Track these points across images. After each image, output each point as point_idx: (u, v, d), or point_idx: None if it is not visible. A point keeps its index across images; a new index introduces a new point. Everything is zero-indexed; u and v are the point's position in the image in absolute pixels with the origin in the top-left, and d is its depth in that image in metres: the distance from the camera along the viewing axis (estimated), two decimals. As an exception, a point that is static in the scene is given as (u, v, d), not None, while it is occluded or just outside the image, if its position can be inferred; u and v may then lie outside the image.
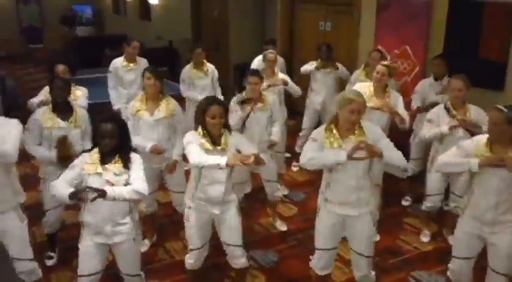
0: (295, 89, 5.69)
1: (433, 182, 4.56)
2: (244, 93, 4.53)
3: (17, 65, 13.25)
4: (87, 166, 3.14)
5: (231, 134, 3.49)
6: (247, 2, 9.20)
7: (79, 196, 2.94)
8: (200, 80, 6.10)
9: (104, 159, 3.15)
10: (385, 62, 4.71)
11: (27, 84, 11.21)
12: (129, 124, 4.08)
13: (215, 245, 3.81)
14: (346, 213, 3.35)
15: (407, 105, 5.47)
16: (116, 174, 3.12)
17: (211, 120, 3.33)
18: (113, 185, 3.09)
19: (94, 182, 3.08)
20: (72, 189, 2.99)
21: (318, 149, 3.25)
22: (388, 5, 6.40)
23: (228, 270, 4.03)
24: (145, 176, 4.12)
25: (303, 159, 3.29)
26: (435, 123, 4.35)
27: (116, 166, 3.14)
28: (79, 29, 15.01)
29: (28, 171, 5.91)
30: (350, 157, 3.11)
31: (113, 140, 3.12)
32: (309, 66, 6.22)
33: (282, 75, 5.64)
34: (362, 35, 6.93)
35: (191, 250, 3.65)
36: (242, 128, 4.47)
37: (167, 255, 4.52)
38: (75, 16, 15.84)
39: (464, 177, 4.16)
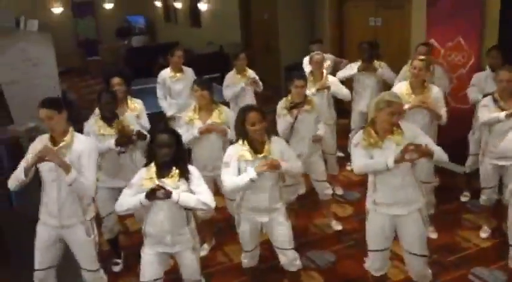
0: (343, 93, 5.47)
1: (485, 174, 4.47)
2: (289, 97, 4.56)
3: (76, 78, 13.87)
4: (145, 181, 3.25)
5: (271, 140, 3.50)
6: (297, 3, 9.22)
7: (154, 194, 3.11)
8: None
9: (161, 173, 3.25)
10: (421, 56, 4.62)
11: (86, 96, 11.75)
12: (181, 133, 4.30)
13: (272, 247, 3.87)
14: (395, 213, 3.35)
15: (463, 98, 5.38)
16: (172, 188, 3.21)
17: (251, 128, 3.38)
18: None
19: (157, 207, 3.24)
20: (141, 195, 3.17)
21: (364, 154, 3.30)
22: (439, -4, 6.24)
23: (285, 271, 4.08)
24: None
25: (354, 167, 3.39)
26: (485, 108, 4.28)
27: (172, 179, 3.24)
28: (133, 39, 15.50)
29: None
30: (400, 161, 3.12)
31: (171, 150, 3.22)
32: (347, 72, 6.06)
33: (331, 78, 5.51)
34: (413, 28, 6.80)
35: (245, 252, 3.79)
36: (291, 131, 4.52)
37: (226, 258, 4.63)
38: (130, 27, 16.33)
39: None
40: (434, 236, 4.61)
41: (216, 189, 4.69)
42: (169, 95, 6.16)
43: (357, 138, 3.40)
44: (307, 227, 5.04)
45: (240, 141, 3.47)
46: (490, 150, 4.29)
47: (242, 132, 3.45)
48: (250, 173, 3.30)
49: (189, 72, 6.19)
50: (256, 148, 3.44)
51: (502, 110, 4.13)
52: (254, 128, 3.37)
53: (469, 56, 5.97)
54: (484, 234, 4.69)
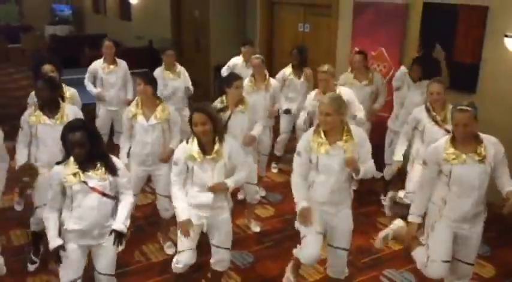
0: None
1: (413, 180, 4.60)
2: (224, 97, 4.54)
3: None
4: (69, 177, 3.11)
5: (223, 141, 3.45)
6: (228, 3, 9.22)
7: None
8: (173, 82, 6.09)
9: (84, 167, 3.13)
10: (323, 68, 4.87)
11: (6, 85, 11.12)
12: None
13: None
14: (326, 210, 3.52)
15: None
16: (100, 180, 3.14)
17: (194, 128, 3.36)
18: (100, 192, 3.14)
19: (79, 191, 3.11)
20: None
21: (304, 163, 3.47)
22: (364, 8, 6.48)
23: (206, 271, 4.06)
24: (135, 179, 4.25)
25: (292, 177, 3.57)
26: (413, 122, 4.55)
27: (98, 173, 3.15)
28: (58, 28, 14.88)
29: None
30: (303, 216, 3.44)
31: (83, 149, 3.08)
32: (280, 76, 6.17)
33: (273, 81, 5.58)
34: (340, 36, 7.01)
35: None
36: (224, 130, 4.50)
37: (143, 258, 4.52)
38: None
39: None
40: None
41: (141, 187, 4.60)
42: (101, 86, 6.06)
43: (300, 145, 3.49)
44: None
45: (190, 140, 3.44)
46: (421, 157, 4.47)
47: (192, 131, 3.42)
48: (183, 214, 3.44)
49: (123, 64, 6.13)
50: (205, 149, 3.40)
51: (434, 119, 4.34)
52: (196, 129, 3.34)
53: (390, 66, 6.24)
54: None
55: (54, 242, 3.16)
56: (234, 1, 9.21)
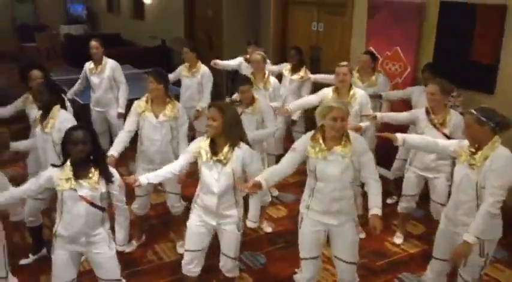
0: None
1: (408, 182, 4.61)
2: (236, 97, 4.51)
3: (9, 64, 13.18)
4: (61, 182, 3.07)
5: (235, 146, 3.34)
6: (242, 1, 9.18)
7: None
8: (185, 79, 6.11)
9: (77, 173, 3.08)
10: (343, 63, 4.80)
11: (21, 83, 11.19)
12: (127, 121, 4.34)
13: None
14: (327, 221, 3.36)
15: (397, 106, 5.54)
16: (90, 190, 3.09)
17: (207, 122, 3.32)
18: (89, 202, 3.09)
19: (68, 198, 3.08)
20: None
21: (291, 158, 3.35)
22: (379, 6, 6.40)
23: (216, 273, 4.02)
24: None
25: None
26: (412, 116, 4.51)
27: (90, 182, 3.09)
28: (73, 28, 14.95)
29: (20, 171, 5.92)
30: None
31: (86, 147, 3.06)
32: (276, 68, 6.17)
33: (273, 79, 5.50)
34: (354, 36, 6.93)
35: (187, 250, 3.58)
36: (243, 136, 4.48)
37: (155, 257, 4.51)
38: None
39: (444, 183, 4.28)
40: (362, 235, 4.67)
41: (154, 186, 4.56)
42: (89, 87, 6.07)
43: (298, 144, 3.36)
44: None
45: (205, 137, 3.41)
46: (417, 160, 4.45)
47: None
48: (208, 202, 3.40)
49: (108, 65, 5.92)
50: (216, 150, 3.33)
51: (431, 122, 4.27)
52: (207, 123, 3.32)
53: (405, 66, 6.15)
54: (397, 240, 4.84)
55: None
56: (247, 0, 9.17)
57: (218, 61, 6.45)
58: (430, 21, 5.85)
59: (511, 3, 5.05)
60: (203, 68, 6.06)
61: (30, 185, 3.23)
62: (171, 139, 4.31)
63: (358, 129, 4.25)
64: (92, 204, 3.11)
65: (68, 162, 3.10)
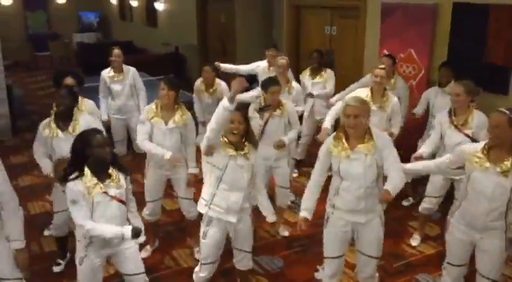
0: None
1: (434, 183, 4.57)
2: (261, 101, 4.54)
3: (23, 73, 13.37)
4: (91, 189, 3.09)
5: (254, 144, 3.56)
6: (254, 7, 9.22)
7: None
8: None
9: (100, 177, 3.12)
10: (382, 66, 4.82)
11: (35, 92, 11.33)
12: (141, 129, 4.29)
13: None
14: (353, 220, 3.39)
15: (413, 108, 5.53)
16: (117, 188, 3.18)
17: (230, 125, 3.41)
18: (119, 200, 3.18)
19: (100, 202, 3.11)
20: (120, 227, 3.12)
21: (321, 168, 3.44)
22: (392, 9, 6.41)
23: (234, 275, 4.05)
24: (153, 183, 4.34)
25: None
26: (438, 126, 4.41)
27: (114, 181, 3.17)
28: (86, 36, 15.10)
29: (36, 181, 5.99)
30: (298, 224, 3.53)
31: (111, 148, 3.14)
32: (248, 67, 6.22)
33: (295, 84, 5.54)
34: (367, 38, 6.94)
35: (203, 264, 3.68)
36: (261, 134, 4.52)
37: (173, 263, 4.53)
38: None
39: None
40: None
41: (168, 192, 4.61)
42: (109, 95, 6.02)
43: (321, 149, 3.43)
44: (256, 231, 4.99)
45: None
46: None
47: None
48: (233, 198, 3.50)
49: (130, 72, 5.99)
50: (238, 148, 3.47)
51: (453, 123, 4.24)
52: (232, 126, 3.41)
53: (419, 68, 6.14)
54: (414, 242, 4.82)
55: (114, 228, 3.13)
56: (260, 6, 9.21)
57: (222, 64, 6.38)
58: (443, 22, 5.84)
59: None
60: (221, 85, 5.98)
61: (85, 216, 3.12)
62: (180, 146, 4.34)
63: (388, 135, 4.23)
64: (122, 201, 3.19)
65: (86, 168, 3.11)
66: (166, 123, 4.26)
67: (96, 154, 3.09)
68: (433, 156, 4.60)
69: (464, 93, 4.17)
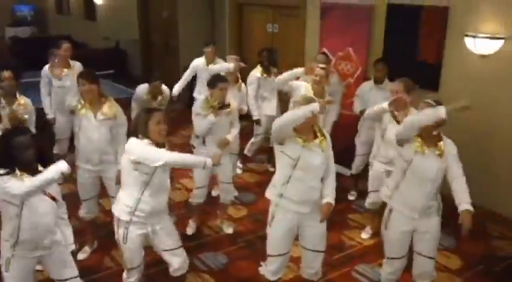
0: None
1: (374, 178, 4.73)
2: (210, 97, 4.54)
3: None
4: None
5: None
6: (197, 3, 9.18)
7: None
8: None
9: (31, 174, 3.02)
10: (322, 65, 4.96)
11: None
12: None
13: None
14: (300, 210, 3.46)
15: (350, 106, 5.71)
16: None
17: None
18: (52, 197, 3.10)
19: (32, 197, 3.02)
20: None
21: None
22: (331, 9, 6.57)
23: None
24: (84, 181, 4.26)
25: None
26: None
27: None
28: (20, 30, 14.50)
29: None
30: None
31: (33, 150, 3.00)
32: (253, 78, 6.15)
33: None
34: (308, 37, 7.09)
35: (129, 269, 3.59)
36: (207, 132, 4.57)
37: (113, 263, 4.45)
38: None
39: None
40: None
41: (105, 190, 4.49)
42: (53, 92, 5.79)
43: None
44: (200, 228, 5.04)
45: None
46: (381, 155, 4.55)
47: None
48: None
49: (77, 66, 5.82)
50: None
51: (396, 119, 4.38)
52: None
53: (356, 66, 6.34)
54: (365, 235, 5.00)
55: None
56: (202, 2, 9.18)
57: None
58: (379, 23, 6.06)
59: (452, 5, 5.30)
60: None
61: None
62: (110, 140, 4.21)
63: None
64: (54, 198, 3.15)
65: (17, 171, 2.98)
66: (95, 115, 4.12)
67: (17, 157, 2.97)
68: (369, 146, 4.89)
69: (403, 89, 4.33)
